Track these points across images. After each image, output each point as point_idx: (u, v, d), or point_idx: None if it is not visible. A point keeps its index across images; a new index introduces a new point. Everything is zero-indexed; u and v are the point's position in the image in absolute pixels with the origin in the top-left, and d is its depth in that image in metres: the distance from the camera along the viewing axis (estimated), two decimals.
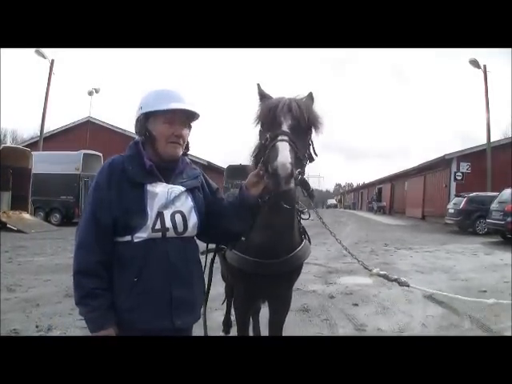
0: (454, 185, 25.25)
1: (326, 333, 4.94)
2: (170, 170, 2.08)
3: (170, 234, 1.99)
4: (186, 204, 2.06)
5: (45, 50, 22.94)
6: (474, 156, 25.09)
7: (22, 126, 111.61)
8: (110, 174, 1.98)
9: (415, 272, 8.99)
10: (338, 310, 6.01)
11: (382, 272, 2.61)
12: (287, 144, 2.14)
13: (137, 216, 1.93)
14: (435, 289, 7.08)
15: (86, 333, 1.94)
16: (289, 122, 2.27)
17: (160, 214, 1.96)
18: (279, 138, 2.18)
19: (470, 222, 18.45)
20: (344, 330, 5.10)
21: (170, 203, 2.01)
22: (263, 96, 2.50)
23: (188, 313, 2.05)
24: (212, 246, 2.77)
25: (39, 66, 33.48)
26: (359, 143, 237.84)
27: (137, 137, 2.12)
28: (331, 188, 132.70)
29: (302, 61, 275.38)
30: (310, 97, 2.49)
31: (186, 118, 2.08)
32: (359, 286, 7.46)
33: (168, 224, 1.98)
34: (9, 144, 35.29)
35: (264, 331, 3.41)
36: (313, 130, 2.41)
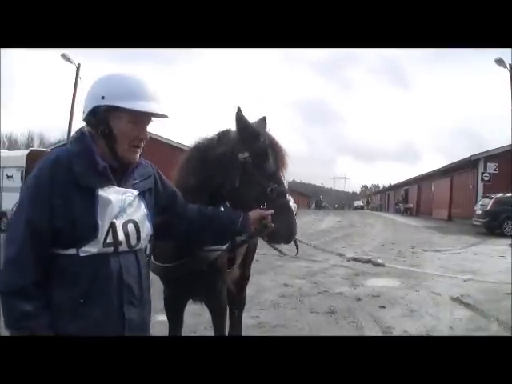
0: (481, 186, 24.85)
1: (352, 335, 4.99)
2: (121, 169, 1.78)
3: (123, 247, 1.71)
4: (140, 211, 1.78)
5: (71, 55, 23.20)
6: (501, 156, 24.64)
7: (50, 129, 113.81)
8: (53, 173, 1.63)
9: (443, 274, 8.94)
10: (364, 312, 6.03)
11: (356, 256, 2.75)
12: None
13: (85, 228, 1.62)
14: (462, 292, 7.09)
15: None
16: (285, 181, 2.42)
17: (112, 225, 1.67)
18: (288, 198, 2.37)
19: (497, 223, 18.17)
20: (371, 332, 5.14)
21: (123, 211, 1.72)
22: (243, 122, 2.42)
23: (141, 333, 1.81)
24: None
25: (66, 70, 33.91)
26: (381, 145, 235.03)
27: (85, 126, 1.79)
28: (357, 189, 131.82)
29: (309, 59, 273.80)
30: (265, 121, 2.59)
31: (153, 117, 1.80)
32: (386, 289, 7.49)
33: (121, 237, 1.69)
34: (36, 147, 36.12)
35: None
36: None
